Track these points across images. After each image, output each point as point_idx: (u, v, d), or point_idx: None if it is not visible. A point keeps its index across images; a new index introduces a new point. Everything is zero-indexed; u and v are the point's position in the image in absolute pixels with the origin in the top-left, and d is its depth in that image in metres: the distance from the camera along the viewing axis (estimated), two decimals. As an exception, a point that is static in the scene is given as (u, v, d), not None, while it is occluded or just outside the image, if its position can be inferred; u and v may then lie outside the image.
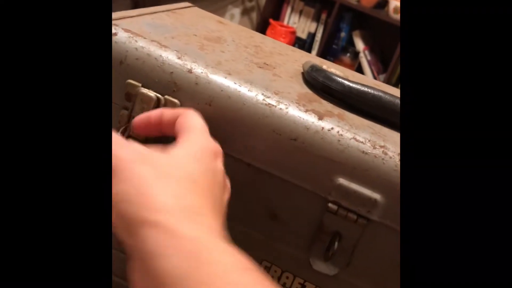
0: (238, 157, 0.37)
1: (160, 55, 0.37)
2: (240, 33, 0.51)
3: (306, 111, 0.36)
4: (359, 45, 2.52)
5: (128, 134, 0.37)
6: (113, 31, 0.38)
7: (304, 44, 2.60)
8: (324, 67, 0.42)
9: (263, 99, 0.36)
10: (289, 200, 0.37)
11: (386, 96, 0.38)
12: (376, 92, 0.39)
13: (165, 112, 0.35)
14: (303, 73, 0.44)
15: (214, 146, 0.32)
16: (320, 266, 0.38)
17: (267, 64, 0.43)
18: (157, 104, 0.37)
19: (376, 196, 0.35)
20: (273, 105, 0.36)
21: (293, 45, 2.49)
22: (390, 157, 0.35)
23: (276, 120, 0.36)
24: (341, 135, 0.35)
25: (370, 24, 2.55)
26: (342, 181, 0.35)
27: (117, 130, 0.38)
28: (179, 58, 0.37)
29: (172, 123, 0.34)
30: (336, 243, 0.37)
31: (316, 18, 2.61)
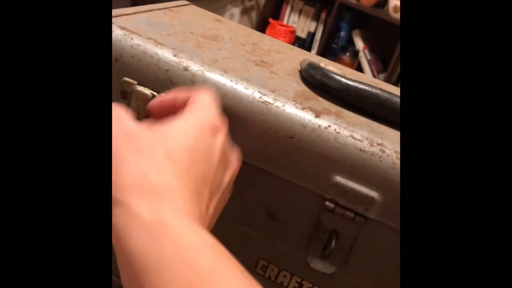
0: (234, 155, 0.37)
1: (156, 53, 0.37)
2: (238, 31, 0.51)
3: (303, 109, 0.36)
4: (359, 44, 2.52)
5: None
6: (109, 28, 0.38)
7: (303, 44, 2.60)
8: (322, 65, 0.42)
9: (260, 97, 0.36)
10: (286, 199, 0.37)
11: (384, 94, 0.38)
12: (373, 90, 0.38)
13: (179, 93, 0.34)
14: (300, 71, 0.44)
15: (214, 122, 0.31)
16: (318, 265, 0.38)
17: (264, 62, 0.43)
18: (153, 102, 0.36)
19: (373, 194, 0.35)
20: (269, 103, 0.36)
21: (293, 44, 2.48)
22: (388, 155, 0.35)
23: (272, 118, 0.35)
24: (338, 133, 0.35)
25: (370, 23, 2.55)
26: (339, 179, 0.35)
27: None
28: (175, 55, 0.37)
29: (185, 103, 0.33)
30: (334, 242, 0.37)
31: (316, 18, 2.61)
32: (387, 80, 2.35)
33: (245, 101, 0.36)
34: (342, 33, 2.55)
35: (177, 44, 0.39)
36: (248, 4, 2.79)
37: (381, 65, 2.55)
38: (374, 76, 2.42)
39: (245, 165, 0.37)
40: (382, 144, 0.35)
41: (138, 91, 0.36)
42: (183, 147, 0.29)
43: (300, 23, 2.64)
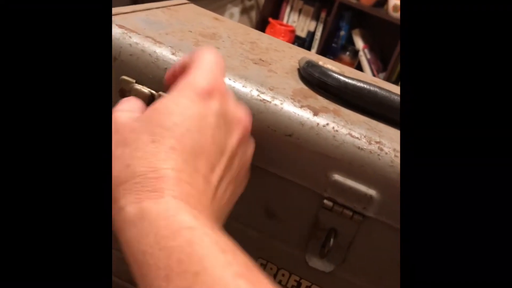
0: (233, 153, 0.37)
1: (155, 51, 0.37)
2: (236, 29, 0.51)
3: (301, 107, 0.36)
4: (359, 43, 2.52)
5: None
6: (107, 27, 0.38)
7: (303, 43, 2.60)
8: (320, 63, 0.42)
9: (258, 95, 0.36)
10: (284, 197, 0.37)
11: (382, 92, 0.38)
12: (372, 88, 0.38)
13: (186, 57, 0.33)
14: (299, 69, 0.44)
15: (202, 86, 0.29)
16: (316, 263, 0.38)
17: (262, 60, 0.43)
18: (151, 100, 0.36)
19: (371, 192, 0.35)
20: (267, 101, 0.36)
21: (293, 43, 2.48)
22: (386, 153, 0.35)
23: (270, 116, 0.35)
24: (337, 130, 0.35)
25: (370, 23, 2.55)
26: (337, 177, 0.35)
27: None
28: (173, 54, 0.37)
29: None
30: (332, 240, 0.37)
31: (316, 17, 2.61)
32: (387, 79, 2.34)
33: (243, 99, 0.36)
34: (342, 33, 2.56)
35: (176, 42, 0.39)
36: (248, 3, 2.79)
37: (381, 64, 2.55)
38: (374, 75, 2.41)
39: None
40: (380, 142, 0.35)
41: (137, 90, 0.36)
42: (165, 125, 0.28)
43: (300, 22, 2.64)
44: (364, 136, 0.35)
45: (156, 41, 0.38)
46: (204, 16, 0.52)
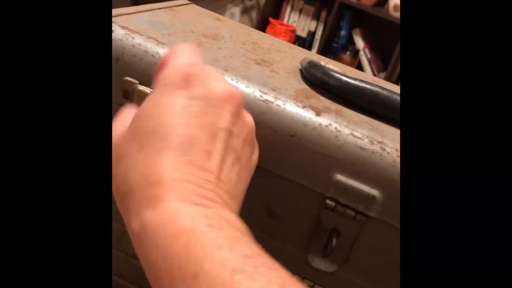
0: (235, 153, 0.37)
1: (157, 52, 0.37)
2: (238, 30, 0.51)
3: (304, 107, 0.36)
4: (359, 43, 2.52)
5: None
6: (110, 28, 0.38)
7: (304, 43, 2.60)
8: (322, 63, 0.42)
9: (260, 95, 0.36)
10: (286, 197, 0.37)
11: (384, 92, 0.38)
12: (374, 88, 0.38)
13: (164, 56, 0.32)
14: (301, 70, 0.44)
15: (180, 75, 0.28)
16: (318, 263, 0.38)
17: (264, 61, 0.43)
18: (154, 101, 0.36)
19: (374, 192, 0.35)
20: (270, 102, 0.36)
21: (293, 43, 2.48)
22: (388, 153, 0.35)
23: (273, 117, 0.36)
24: (339, 131, 0.35)
25: (370, 22, 2.55)
26: (340, 177, 0.35)
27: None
28: (176, 54, 0.37)
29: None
30: (334, 240, 0.37)
31: (316, 17, 2.61)
32: (388, 79, 2.35)
33: (245, 100, 0.36)
34: (343, 32, 2.56)
35: (178, 43, 0.39)
36: (248, 3, 2.79)
37: (382, 64, 2.55)
38: (375, 75, 2.42)
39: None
40: (382, 142, 0.35)
41: (140, 91, 0.36)
42: (149, 129, 0.27)
43: (300, 22, 2.64)
44: (367, 136, 0.35)
45: (159, 42, 0.38)
46: (206, 17, 0.52)
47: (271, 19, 2.58)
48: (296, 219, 0.38)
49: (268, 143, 0.36)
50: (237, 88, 0.31)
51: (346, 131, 0.35)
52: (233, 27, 0.51)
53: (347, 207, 0.36)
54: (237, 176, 0.30)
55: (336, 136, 0.35)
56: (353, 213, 0.36)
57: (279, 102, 0.36)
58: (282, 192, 0.37)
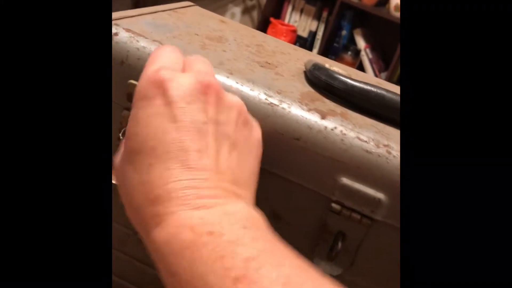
0: (240, 157, 0.37)
1: (162, 55, 0.37)
2: (242, 32, 0.51)
3: (309, 110, 0.36)
4: (360, 43, 2.52)
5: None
6: (114, 31, 0.38)
7: (305, 43, 2.60)
8: (327, 65, 0.42)
9: (266, 99, 0.36)
10: (292, 200, 0.37)
11: (389, 95, 0.38)
12: (379, 91, 0.38)
13: None
14: (305, 72, 0.44)
15: (147, 85, 0.28)
16: (324, 267, 0.38)
17: (269, 63, 0.43)
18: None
19: (380, 195, 0.35)
20: (275, 105, 0.36)
21: (294, 43, 2.48)
22: (394, 156, 0.35)
23: (278, 120, 0.35)
24: (345, 134, 0.35)
25: (371, 22, 2.55)
26: (345, 180, 0.35)
27: (119, 131, 0.37)
28: (180, 57, 0.37)
29: None
30: (340, 243, 0.37)
31: (317, 17, 2.61)
32: (389, 79, 2.34)
33: (250, 103, 0.36)
34: (344, 32, 2.55)
35: (183, 46, 0.39)
36: (249, 3, 2.79)
37: (383, 64, 2.55)
38: (376, 75, 2.42)
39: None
40: (388, 145, 0.35)
41: (144, 93, 0.36)
42: (136, 149, 0.27)
43: (301, 22, 2.64)
44: (372, 140, 0.35)
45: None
46: (210, 19, 0.52)
47: (272, 19, 2.58)
48: (302, 223, 0.38)
49: (273, 146, 0.36)
50: (209, 73, 0.30)
51: (351, 134, 0.35)
52: (237, 29, 0.51)
53: (352, 210, 0.36)
54: (238, 162, 0.29)
55: (342, 140, 0.35)
56: (358, 217, 0.36)
57: (284, 105, 0.36)
58: (287, 195, 0.37)
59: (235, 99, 0.31)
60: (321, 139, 0.35)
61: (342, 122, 0.36)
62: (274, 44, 0.51)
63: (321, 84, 0.40)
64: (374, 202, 0.35)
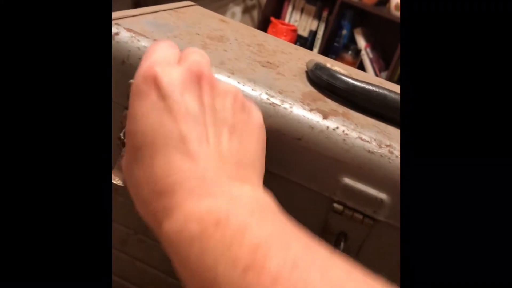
0: (242, 157, 0.36)
1: (163, 55, 0.37)
2: (243, 31, 0.51)
3: (311, 110, 0.36)
4: (361, 42, 2.52)
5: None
6: (115, 30, 0.37)
7: (305, 42, 2.60)
8: (328, 65, 0.42)
9: (267, 98, 0.36)
10: (294, 201, 0.37)
11: (391, 95, 0.38)
12: (380, 91, 0.38)
13: None
14: (307, 72, 0.44)
15: (140, 80, 0.28)
16: (326, 267, 0.38)
17: (270, 63, 0.43)
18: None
19: (382, 196, 0.35)
20: (277, 105, 0.36)
21: (295, 43, 2.48)
22: (396, 156, 0.35)
23: (280, 120, 0.35)
24: (346, 134, 0.35)
25: (372, 22, 2.55)
26: (347, 181, 0.35)
27: (120, 130, 0.37)
28: (181, 57, 0.37)
29: None
30: (342, 244, 0.37)
31: (318, 16, 2.60)
32: (389, 78, 2.34)
33: (252, 103, 0.36)
34: (344, 32, 2.55)
35: (184, 45, 0.39)
36: (249, 3, 2.78)
37: (383, 63, 2.55)
38: (376, 75, 2.41)
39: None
40: (390, 145, 0.35)
41: (145, 93, 0.36)
42: (136, 146, 0.27)
43: (301, 21, 2.64)
44: (374, 140, 0.35)
45: (164, 45, 0.38)
46: (211, 18, 0.51)
47: (272, 19, 2.58)
48: (303, 223, 0.38)
49: (275, 146, 0.36)
50: (202, 63, 0.30)
51: (353, 134, 0.35)
52: (238, 29, 0.51)
53: (355, 210, 0.36)
54: (239, 145, 0.29)
55: (344, 140, 0.35)
56: (361, 217, 0.36)
57: (286, 105, 0.36)
58: (289, 195, 0.37)
59: (229, 86, 0.31)
60: (323, 139, 0.35)
61: (344, 122, 0.36)
62: (275, 44, 0.51)
63: (323, 84, 0.40)
64: (376, 202, 0.35)
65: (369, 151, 0.35)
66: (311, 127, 0.35)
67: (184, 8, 0.52)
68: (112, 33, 0.37)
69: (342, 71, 0.41)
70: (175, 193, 0.26)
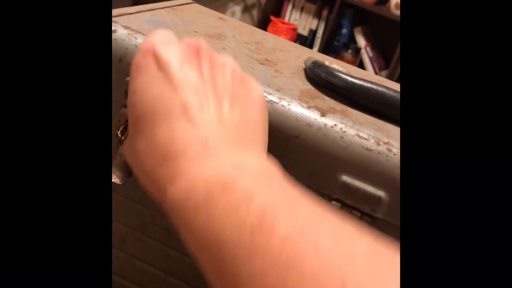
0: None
1: (160, 52, 0.37)
2: (241, 29, 0.51)
3: (309, 107, 0.36)
4: (361, 41, 2.52)
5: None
6: (113, 28, 0.37)
7: (305, 41, 2.60)
8: (327, 63, 0.42)
9: (265, 96, 0.36)
10: (292, 198, 0.37)
11: (390, 92, 0.38)
12: (379, 88, 0.38)
13: None
14: (305, 69, 0.43)
15: (142, 55, 0.29)
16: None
17: (268, 61, 0.43)
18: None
19: (380, 193, 0.35)
20: (275, 102, 0.36)
21: (294, 42, 2.48)
22: (395, 154, 0.34)
23: (278, 117, 0.35)
24: (344, 131, 0.35)
25: (372, 21, 2.55)
26: (345, 178, 0.35)
27: (117, 128, 0.37)
28: (179, 55, 0.37)
29: None
30: (340, 241, 0.37)
31: (317, 15, 2.60)
32: (389, 77, 2.34)
33: (250, 101, 0.35)
34: (344, 31, 2.55)
35: (181, 43, 0.39)
36: (249, 1, 2.78)
37: (383, 62, 2.55)
38: (376, 73, 2.41)
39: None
40: (388, 143, 0.35)
41: (142, 91, 0.36)
42: (135, 117, 0.28)
43: (301, 20, 2.63)
44: (372, 137, 0.35)
45: (162, 42, 0.37)
46: (209, 16, 0.51)
47: (272, 17, 2.58)
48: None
49: (273, 143, 0.35)
50: (198, 39, 0.30)
51: (351, 131, 0.35)
52: (236, 27, 0.51)
53: (353, 208, 0.35)
54: (241, 117, 0.29)
55: (342, 137, 0.35)
56: (359, 214, 0.35)
57: (284, 103, 0.36)
58: (287, 193, 0.37)
59: (228, 59, 0.31)
60: (321, 136, 0.35)
61: (342, 119, 0.36)
62: (273, 42, 0.51)
63: (321, 81, 0.40)
64: (374, 200, 0.35)
65: (367, 149, 0.35)
66: (309, 125, 0.35)
67: (183, 6, 0.51)
68: (110, 31, 0.37)
69: (340, 68, 0.41)
70: (179, 159, 0.25)
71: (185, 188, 0.25)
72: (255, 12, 2.79)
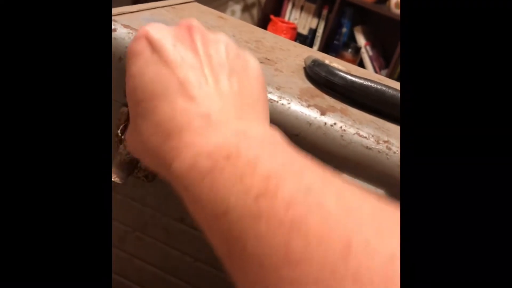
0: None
1: (160, 51, 0.37)
2: (241, 28, 0.51)
3: (309, 106, 0.36)
4: (361, 40, 2.52)
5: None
6: (113, 27, 0.37)
7: (305, 40, 2.60)
8: (326, 62, 0.42)
9: (265, 95, 0.36)
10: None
11: (389, 91, 0.38)
12: (379, 87, 0.38)
13: None
14: (305, 68, 0.43)
15: (137, 40, 0.29)
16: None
17: (268, 59, 0.43)
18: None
19: (380, 192, 0.35)
20: (275, 101, 0.36)
21: (294, 41, 2.48)
22: (394, 152, 0.34)
23: (278, 116, 0.35)
24: (344, 130, 0.35)
25: (372, 20, 2.55)
26: (345, 177, 0.35)
27: (117, 127, 0.37)
28: (179, 53, 0.37)
29: None
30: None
31: (317, 14, 2.60)
32: (389, 76, 2.34)
33: (250, 99, 0.35)
34: (344, 30, 2.55)
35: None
36: (249, 1, 2.78)
37: (383, 61, 2.55)
38: (376, 73, 2.41)
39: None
40: (388, 141, 0.35)
41: (142, 90, 0.36)
42: (134, 100, 0.28)
43: (301, 19, 2.63)
44: (372, 136, 0.35)
45: (162, 41, 0.37)
46: (208, 15, 0.51)
47: (272, 17, 2.58)
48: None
49: (273, 142, 0.35)
50: (190, 19, 0.31)
51: (351, 130, 0.35)
52: (236, 25, 0.51)
53: (352, 207, 0.35)
54: (240, 88, 0.29)
55: (342, 136, 0.35)
56: (358, 213, 0.35)
57: (284, 101, 0.36)
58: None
59: (220, 34, 0.31)
60: (321, 135, 0.35)
61: (341, 118, 0.36)
62: (273, 40, 0.51)
63: (321, 80, 0.40)
64: (374, 199, 0.35)
65: (367, 147, 0.35)
66: (309, 123, 0.35)
67: (183, 4, 0.51)
68: (109, 30, 0.37)
69: (340, 67, 0.41)
70: (182, 133, 0.26)
71: (190, 159, 0.25)
72: (255, 11, 2.79)
